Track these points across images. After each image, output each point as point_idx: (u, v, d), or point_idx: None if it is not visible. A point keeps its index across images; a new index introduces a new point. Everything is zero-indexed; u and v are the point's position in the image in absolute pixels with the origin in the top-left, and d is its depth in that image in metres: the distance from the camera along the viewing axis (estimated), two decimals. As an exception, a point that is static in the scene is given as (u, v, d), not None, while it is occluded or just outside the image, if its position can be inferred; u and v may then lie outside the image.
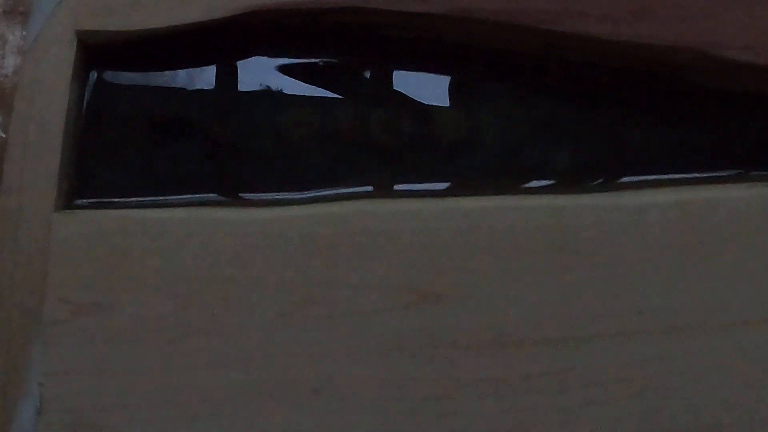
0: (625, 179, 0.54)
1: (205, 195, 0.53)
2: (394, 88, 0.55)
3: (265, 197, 0.53)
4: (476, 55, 0.55)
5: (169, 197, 0.53)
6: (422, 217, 0.51)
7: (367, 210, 0.51)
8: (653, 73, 0.54)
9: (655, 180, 0.53)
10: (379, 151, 0.54)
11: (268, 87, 0.55)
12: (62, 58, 0.53)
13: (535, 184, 0.54)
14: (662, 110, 0.55)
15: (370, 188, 0.53)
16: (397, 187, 0.53)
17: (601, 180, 0.54)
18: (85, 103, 0.54)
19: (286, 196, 0.53)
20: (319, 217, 0.51)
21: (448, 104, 0.55)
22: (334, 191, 0.53)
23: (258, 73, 0.55)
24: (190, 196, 0.53)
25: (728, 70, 0.53)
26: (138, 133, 0.55)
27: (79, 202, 0.53)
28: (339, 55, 0.56)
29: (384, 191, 0.53)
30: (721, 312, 0.50)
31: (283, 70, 0.55)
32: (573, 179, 0.54)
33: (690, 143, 0.55)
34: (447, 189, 0.53)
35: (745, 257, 0.51)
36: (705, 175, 0.54)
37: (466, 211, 0.51)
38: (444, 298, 0.50)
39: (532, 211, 0.51)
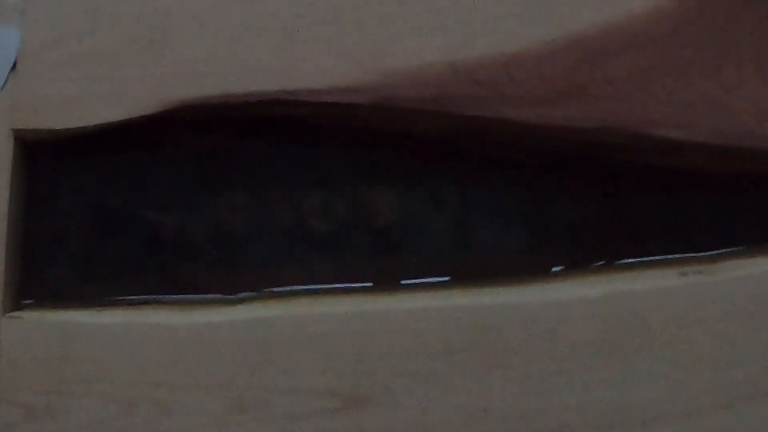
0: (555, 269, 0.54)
1: (146, 296, 0.54)
2: (328, 173, 0.55)
3: (200, 298, 0.54)
4: (407, 142, 0.55)
5: (112, 298, 0.55)
6: (347, 320, 0.51)
7: (294, 314, 0.52)
8: (586, 153, 0.53)
9: (590, 268, 0.53)
10: (314, 238, 0.55)
11: (202, 176, 0.56)
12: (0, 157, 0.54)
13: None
14: (598, 191, 0.54)
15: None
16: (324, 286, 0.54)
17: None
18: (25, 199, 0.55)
19: (223, 297, 0.54)
20: (249, 321, 0.52)
21: (382, 189, 0.55)
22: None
23: (190, 162, 0.56)
24: (131, 297, 0.55)
25: (661, 149, 0.52)
26: (80, 227, 0.56)
27: (26, 302, 0.55)
28: (270, 143, 0.56)
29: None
30: (641, 409, 0.51)
31: (216, 157, 0.56)
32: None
33: (625, 224, 0.54)
34: (381, 286, 0.54)
35: (671, 352, 0.51)
36: (638, 260, 0.53)
37: (393, 313, 0.51)
38: (370, 402, 0.51)
39: (457, 310, 0.51)
